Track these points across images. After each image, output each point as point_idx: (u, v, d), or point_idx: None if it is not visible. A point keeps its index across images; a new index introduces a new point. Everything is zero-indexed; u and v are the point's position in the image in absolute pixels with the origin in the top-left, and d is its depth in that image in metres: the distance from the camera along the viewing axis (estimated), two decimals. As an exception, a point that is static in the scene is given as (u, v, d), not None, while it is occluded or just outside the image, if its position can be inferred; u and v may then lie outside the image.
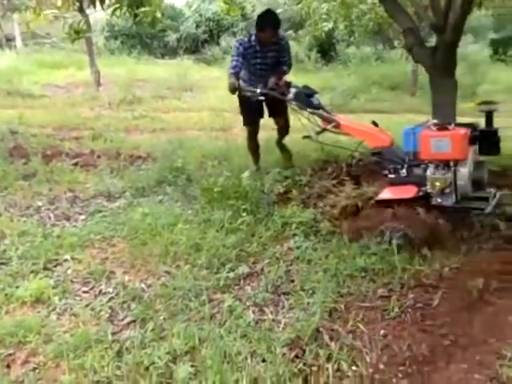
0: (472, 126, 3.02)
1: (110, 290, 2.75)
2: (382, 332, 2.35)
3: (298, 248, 3.11)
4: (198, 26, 16.10)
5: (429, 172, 3.03)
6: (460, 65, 10.03)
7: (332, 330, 2.36)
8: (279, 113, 4.50)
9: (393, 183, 3.17)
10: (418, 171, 3.13)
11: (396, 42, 12.13)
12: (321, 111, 3.50)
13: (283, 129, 4.62)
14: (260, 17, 4.23)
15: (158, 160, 4.87)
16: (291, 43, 12.29)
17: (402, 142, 3.22)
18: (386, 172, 3.26)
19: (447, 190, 2.98)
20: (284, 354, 2.14)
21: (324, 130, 3.46)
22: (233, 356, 2.11)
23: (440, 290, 2.69)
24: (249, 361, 2.10)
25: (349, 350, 2.21)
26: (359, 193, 3.49)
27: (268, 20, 4.18)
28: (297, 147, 4.99)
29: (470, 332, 2.40)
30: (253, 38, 4.23)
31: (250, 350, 2.18)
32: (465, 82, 8.96)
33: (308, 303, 2.55)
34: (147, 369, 2.06)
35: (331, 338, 2.29)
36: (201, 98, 9.29)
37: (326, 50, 13.06)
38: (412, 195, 3.02)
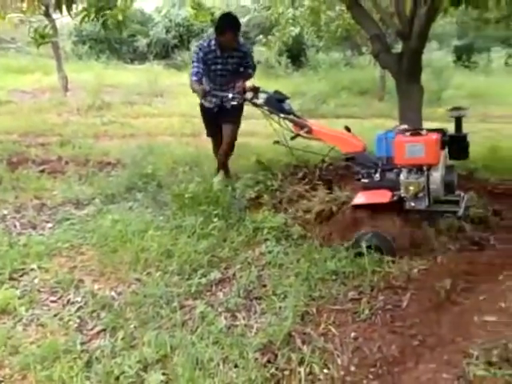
0: (442, 132, 3.08)
1: (79, 299, 2.69)
2: (352, 334, 2.38)
3: (269, 253, 3.11)
4: (167, 31, 16.04)
5: (402, 176, 3.07)
6: (425, 71, 10.27)
7: (304, 333, 2.37)
8: (229, 122, 4.36)
9: (366, 188, 3.19)
10: (391, 176, 3.16)
11: (364, 49, 12.35)
12: (292, 117, 3.51)
13: (228, 143, 4.36)
14: (220, 20, 4.12)
15: (128, 166, 4.81)
16: (261, 49, 12.39)
17: (375, 147, 3.25)
18: (359, 177, 3.29)
19: (420, 194, 3.02)
20: (256, 359, 2.14)
21: (297, 135, 3.46)
22: (205, 363, 2.10)
23: (409, 291, 2.74)
24: (221, 367, 2.09)
25: (321, 353, 2.23)
26: (333, 197, 3.52)
27: (228, 23, 4.05)
28: (268, 152, 5.02)
29: (437, 332, 2.45)
30: (213, 42, 4.10)
31: (223, 356, 2.17)
32: (430, 87, 9.20)
33: (280, 307, 2.56)
34: (117, 378, 2.03)
35: (303, 342, 2.30)
36: (171, 104, 9.24)
37: (295, 55, 13.19)
38: (387, 200, 3.05)
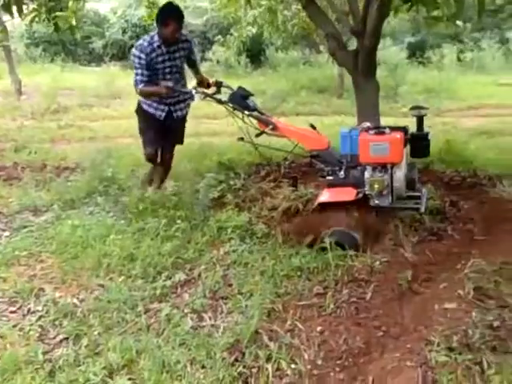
0: (404, 130, 3.13)
1: (40, 308, 2.62)
2: (318, 328, 2.41)
3: (234, 252, 3.11)
4: (124, 32, 15.77)
5: (367, 174, 3.10)
6: (381, 67, 10.51)
7: (271, 330, 2.38)
8: (171, 144, 4.11)
9: (331, 185, 3.21)
10: (355, 173, 3.18)
11: (321, 47, 12.52)
12: (257, 114, 3.46)
13: (170, 165, 4.18)
14: (161, 10, 3.78)
15: (87, 170, 4.70)
16: (220, 49, 12.35)
17: (339, 144, 3.26)
18: (324, 174, 3.29)
19: (384, 192, 3.07)
20: (224, 359, 2.14)
21: (262, 132, 3.42)
22: (172, 365, 2.08)
23: (372, 283, 2.79)
24: (188, 368, 2.08)
25: (287, 348, 2.24)
26: (298, 195, 3.54)
27: (171, 12, 3.69)
28: (231, 152, 5.02)
29: (401, 322, 2.51)
30: (155, 38, 3.69)
31: (190, 357, 2.16)
32: (386, 83, 9.42)
33: (246, 306, 2.56)
34: (82, 386, 1.99)
35: (270, 339, 2.32)
36: (130, 105, 8.99)
37: (255, 54, 13.23)
38: (352, 198, 3.08)
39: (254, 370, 2.10)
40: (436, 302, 2.54)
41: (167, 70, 3.82)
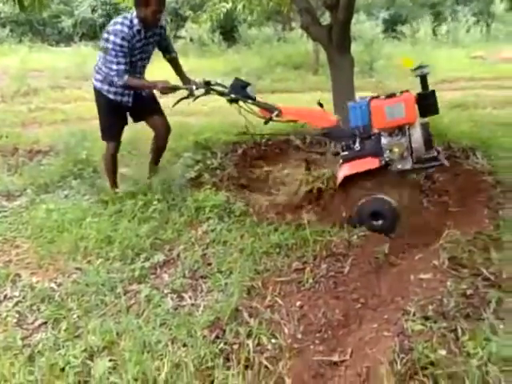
0: (407, 92, 3.09)
1: (17, 293, 2.58)
2: (298, 303, 2.44)
3: (212, 231, 3.11)
4: (94, 10, 15.32)
5: (384, 140, 3.05)
6: (357, 42, 10.46)
7: (251, 307, 2.40)
8: (155, 111, 3.74)
9: (347, 160, 3.12)
10: (370, 143, 3.12)
11: (294, 24, 12.40)
12: (259, 102, 3.32)
13: (165, 130, 3.78)
14: None
15: (61, 153, 4.61)
16: (193, 26, 12.12)
17: (349, 117, 3.16)
18: (337, 151, 3.23)
19: (405, 154, 3.03)
20: (204, 337, 2.15)
21: (270, 119, 3.27)
22: (152, 345, 2.09)
23: (350, 257, 2.83)
24: (169, 348, 2.09)
25: (268, 324, 2.27)
26: (315, 176, 3.46)
27: None
28: (207, 131, 4.97)
29: (378, 293, 2.56)
30: (135, 21, 3.33)
31: (171, 336, 2.16)
32: (362, 58, 9.39)
33: (226, 284, 2.57)
34: (63, 370, 1.98)
35: (250, 315, 2.34)
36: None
37: (228, 32, 13.04)
38: (377, 165, 3.01)
39: (235, 347, 2.12)
40: (412, 273, 2.59)
41: (138, 57, 3.50)
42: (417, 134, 3.04)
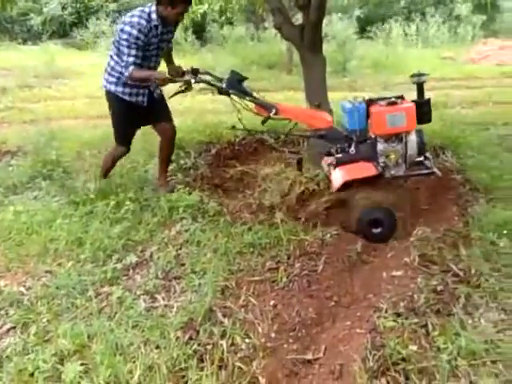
0: (402, 98, 3.13)
1: (-16, 298, 2.52)
2: (272, 302, 2.44)
3: (186, 231, 3.08)
4: (63, 8, 15.00)
5: (381, 146, 3.06)
6: (330, 42, 10.53)
7: (225, 307, 2.40)
8: (165, 116, 3.67)
9: (341, 163, 3.07)
10: (365, 147, 3.11)
11: (266, 23, 12.42)
12: (258, 99, 3.18)
13: (172, 136, 3.73)
14: None
15: (30, 154, 4.50)
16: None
17: (346, 120, 3.14)
18: (331, 151, 3.18)
19: (399, 161, 3.06)
20: (178, 338, 2.13)
21: (268, 118, 3.12)
22: (125, 347, 2.06)
23: (323, 256, 2.85)
24: (142, 350, 2.06)
25: (241, 324, 2.27)
26: (307, 178, 3.43)
27: None
28: (180, 131, 4.92)
29: (351, 291, 2.59)
30: (153, 16, 3.24)
31: (143, 338, 2.14)
32: (335, 58, 9.48)
33: (200, 284, 2.56)
34: (32, 374, 1.94)
35: (224, 315, 2.33)
36: (74, 85, 8.73)
37: (200, 31, 12.96)
38: (375, 172, 3.00)
39: (209, 347, 2.11)
40: (384, 270, 2.63)
41: (154, 53, 3.40)
42: (412, 142, 3.09)
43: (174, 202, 3.38)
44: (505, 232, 2.78)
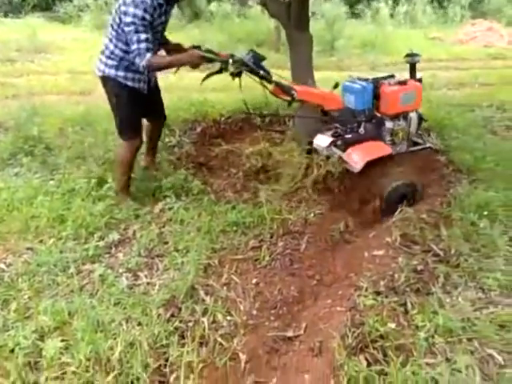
0: (393, 77, 3.16)
1: (-36, 275, 2.49)
2: (254, 281, 2.46)
3: (169, 209, 3.07)
4: (46, -20, 14.58)
5: (389, 125, 3.11)
6: (319, 21, 10.40)
7: (207, 285, 2.41)
8: (162, 110, 3.49)
9: (351, 143, 3.05)
10: (373, 127, 3.13)
11: (250, 1, 12.22)
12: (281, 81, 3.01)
13: (162, 124, 3.58)
14: None
15: (11, 129, 4.41)
16: None
17: (353, 100, 3.09)
18: (340, 133, 3.15)
19: (404, 138, 3.15)
20: (160, 315, 2.15)
21: (292, 100, 2.98)
22: (106, 324, 2.06)
23: (306, 235, 2.88)
24: (124, 327, 2.07)
25: (223, 301, 2.29)
26: (318, 161, 3.24)
27: None
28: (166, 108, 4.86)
29: (333, 270, 2.61)
30: None
31: (125, 315, 2.14)
32: (324, 37, 9.40)
33: (182, 262, 2.56)
34: (12, 351, 1.94)
35: (206, 293, 2.35)
36: (57, 60, 8.52)
37: (187, 6, 12.68)
38: (390, 151, 3.01)
39: (190, 324, 2.13)
40: (366, 250, 2.65)
41: (158, 36, 3.07)
42: (414, 119, 3.16)
43: (158, 180, 3.36)
44: (485, 213, 2.81)
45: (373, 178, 3.00)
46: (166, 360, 1.95)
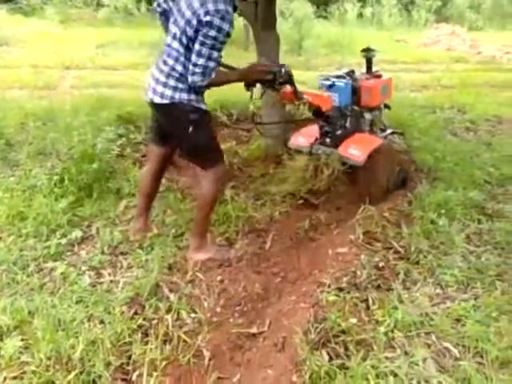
0: (353, 72, 3.29)
1: None
2: (219, 278, 2.46)
3: (134, 207, 3.03)
4: (9, -29, 14.14)
5: (369, 116, 3.27)
6: (287, 21, 10.42)
7: (171, 282, 2.40)
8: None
9: (340, 139, 3.10)
10: (356, 120, 3.23)
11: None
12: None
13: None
14: None
15: (-30, 124, 4.27)
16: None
17: (336, 97, 3.07)
18: (329, 131, 3.14)
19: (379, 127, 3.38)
20: (123, 313, 2.13)
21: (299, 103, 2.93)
22: (67, 323, 2.03)
23: (271, 233, 2.90)
24: (85, 325, 2.04)
25: (188, 299, 2.28)
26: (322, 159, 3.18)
27: None
28: (131, 104, 4.80)
29: (298, 267, 2.65)
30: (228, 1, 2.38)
31: (87, 314, 2.11)
32: (292, 37, 9.45)
33: (147, 260, 2.54)
34: (-31, 352, 1.89)
35: (171, 291, 2.34)
36: (19, 54, 8.28)
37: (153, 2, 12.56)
38: (381, 141, 3.16)
39: (154, 322, 2.12)
40: (330, 247, 2.70)
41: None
42: (382, 109, 3.41)
43: (123, 177, 3.32)
44: (443, 211, 2.90)
45: (378, 166, 3.10)
46: (129, 358, 1.94)
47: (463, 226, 2.89)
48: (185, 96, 2.45)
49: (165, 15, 2.59)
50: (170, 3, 2.54)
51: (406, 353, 1.93)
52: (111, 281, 2.40)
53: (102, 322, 2.08)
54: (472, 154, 4.00)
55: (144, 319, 2.12)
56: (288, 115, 4.13)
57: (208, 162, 2.58)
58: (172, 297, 2.28)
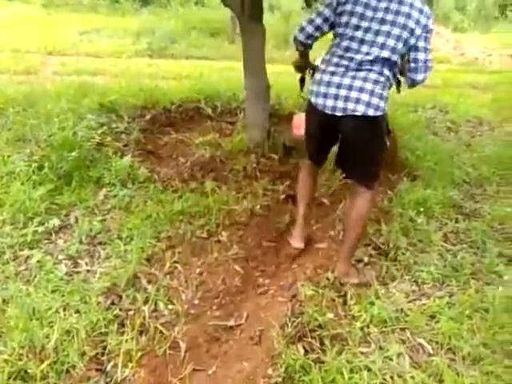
0: None
1: None
2: (198, 270, 2.46)
3: (114, 197, 3.00)
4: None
5: None
6: (274, 14, 10.37)
7: (150, 273, 2.38)
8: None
9: None
10: None
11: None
12: None
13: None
14: None
15: None
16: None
17: None
18: None
19: None
20: (99, 303, 2.11)
21: None
22: (42, 312, 2.00)
23: (251, 226, 2.90)
24: (61, 314, 2.02)
25: (165, 290, 2.27)
26: None
27: None
28: (114, 93, 4.74)
29: (276, 261, 2.65)
30: None
31: (63, 303, 2.09)
32: (279, 30, 9.42)
33: (125, 250, 2.52)
34: None
35: (149, 282, 2.32)
36: (8, 38, 8.12)
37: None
38: None
39: (131, 313, 2.10)
40: (310, 242, 2.71)
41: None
42: None
43: (103, 167, 3.28)
44: (422, 209, 2.94)
45: None
46: (104, 348, 1.92)
47: (441, 224, 2.93)
48: (383, 104, 2.17)
49: None
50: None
51: (380, 348, 1.96)
52: (88, 270, 2.38)
53: (77, 311, 2.05)
54: (452, 153, 4.06)
55: (120, 310, 2.11)
56: (272, 109, 4.12)
57: (375, 178, 2.32)
58: (150, 288, 2.26)
